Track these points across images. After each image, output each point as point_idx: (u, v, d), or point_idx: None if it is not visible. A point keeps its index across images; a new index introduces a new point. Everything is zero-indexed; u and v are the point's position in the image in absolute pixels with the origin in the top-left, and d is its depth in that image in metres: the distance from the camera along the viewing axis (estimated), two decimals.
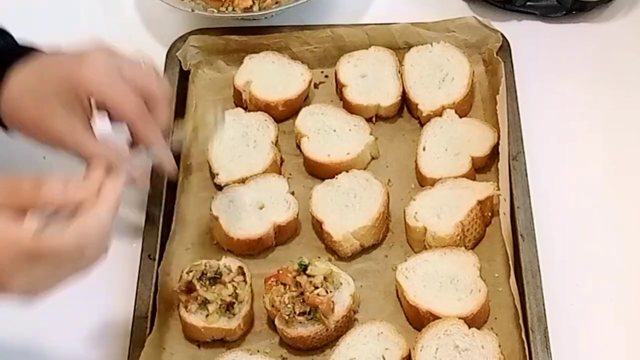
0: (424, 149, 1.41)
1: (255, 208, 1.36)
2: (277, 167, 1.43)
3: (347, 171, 1.38)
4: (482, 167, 1.41)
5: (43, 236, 1.01)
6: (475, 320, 1.24)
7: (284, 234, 1.36)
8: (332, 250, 1.34)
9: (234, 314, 1.26)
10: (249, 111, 1.48)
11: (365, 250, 1.34)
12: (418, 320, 1.26)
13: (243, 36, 1.54)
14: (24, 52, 1.27)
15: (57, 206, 1.03)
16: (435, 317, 1.24)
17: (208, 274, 1.27)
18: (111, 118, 1.25)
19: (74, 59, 1.23)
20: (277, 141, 1.45)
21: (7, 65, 1.25)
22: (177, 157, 1.43)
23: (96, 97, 1.22)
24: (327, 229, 1.33)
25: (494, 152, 1.40)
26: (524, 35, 1.56)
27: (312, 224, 1.36)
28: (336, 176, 1.38)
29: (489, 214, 1.36)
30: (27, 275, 1.03)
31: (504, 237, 1.29)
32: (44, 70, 1.24)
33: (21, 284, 1.04)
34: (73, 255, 1.04)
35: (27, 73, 1.25)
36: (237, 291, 1.26)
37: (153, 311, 1.27)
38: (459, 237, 1.31)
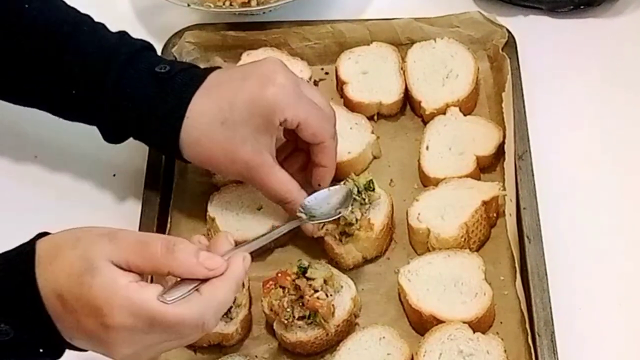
0: (427, 148, 1.41)
1: (253, 209, 1.36)
2: None
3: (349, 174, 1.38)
4: (487, 166, 1.41)
5: (167, 305, 1.02)
6: (480, 325, 1.25)
7: (283, 236, 1.36)
8: (334, 261, 1.34)
9: (231, 318, 1.26)
10: None
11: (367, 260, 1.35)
12: (421, 324, 1.26)
13: (240, 32, 1.54)
14: (194, 75, 1.28)
15: (186, 276, 1.04)
16: (439, 321, 1.24)
17: None
18: (302, 141, 1.29)
19: (260, 83, 1.24)
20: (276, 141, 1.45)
21: (184, 91, 1.26)
22: (173, 157, 1.44)
23: (291, 118, 1.24)
24: (329, 241, 1.33)
25: (500, 151, 1.40)
26: (531, 30, 1.56)
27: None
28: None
29: (494, 215, 1.36)
30: (137, 342, 1.03)
31: (509, 239, 1.29)
32: (231, 97, 1.25)
33: (127, 351, 1.04)
34: (192, 329, 1.04)
35: (210, 101, 1.26)
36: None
37: None
38: (463, 239, 1.31)
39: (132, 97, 1.28)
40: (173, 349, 1.14)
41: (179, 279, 1.05)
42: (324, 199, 1.29)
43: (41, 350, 1.05)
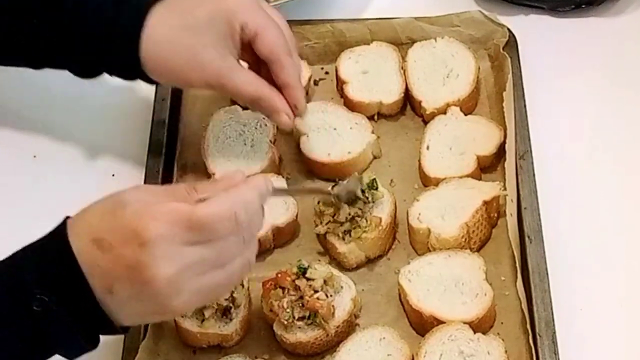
0: (427, 147, 1.41)
1: None
2: (275, 166, 1.43)
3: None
4: (488, 166, 1.41)
5: (199, 203, 1.02)
6: (481, 325, 1.25)
7: (282, 236, 1.36)
8: (336, 261, 1.34)
9: (230, 319, 1.26)
10: (246, 109, 1.48)
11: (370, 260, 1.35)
12: (421, 325, 1.26)
13: None
14: None
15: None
16: (440, 322, 1.24)
17: None
18: (255, 52, 1.28)
19: None
20: (275, 140, 1.45)
21: (142, 5, 1.26)
22: (172, 157, 1.44)
23: (250, 24, 1.25)
24: (332, 240, 1.33)
25: (500, 151, 1.40)
26: (532, 29, 1.56)
27: (317, 235, 1.36)
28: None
29: (495, 215, 1.36)
30: (176, 257, 1.00)
31: (510, 239, 1.29)
32: (191, 5, 1.26)
33: (169, 270, 1.00)
34: (227, 223, 1.02)
35: (169, 10, 1.26)
36: (233, 295, 1.26)
37: None
38: (464, 239, 1.32)
39: (91, 16, 1.28)
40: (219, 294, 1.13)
41: None
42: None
43: (78, 326, 1.03)
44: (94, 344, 1.06)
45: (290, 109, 1.31)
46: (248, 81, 1.28)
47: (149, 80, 1.31)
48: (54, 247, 1.03)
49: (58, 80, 1.40)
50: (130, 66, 1.29)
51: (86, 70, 1.34)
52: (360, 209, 1.31)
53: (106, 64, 1.32)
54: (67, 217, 1.05)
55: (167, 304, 1.01)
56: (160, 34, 1.26)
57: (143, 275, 0.99)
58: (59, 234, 1.03)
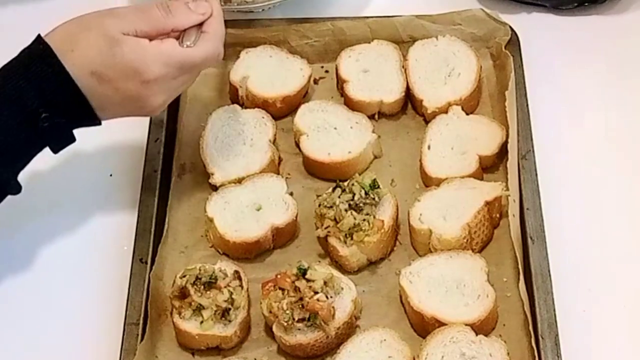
0: (428, 147, 1.41)
1: (252, 209, 1.37)
2: (275, 166, 1.43)
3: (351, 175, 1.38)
4: (490, 166, 1.41)
5: (190, 48, 1.25)
6: (483, 327, 1.25)
7: (282, 237, 1.36)
8: (337, 263, 1.34)
9: (229, 321, 1.26)
10: (246, 108, 1.48)
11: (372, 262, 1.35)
12: (423, 326, 1.26)
13: (239, 29, 1.54)
14: None
15: (188, 25, 1.25)
16: (441, 324, 1.24)
17: (202, 279, 1.27)
18: None
19: None
20: (275, 139, 1.45)
21: None
22: (170, 157, 1.44)
23: None
24: (333, 243, 1.33)
25: (503, 151, 1.40)
26: (534, 28, 1.56)
27: (317, 237, 1.36)
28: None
29: (497, 215, 1.36)
30: (169, 88, 1.25)
31: (512, 240, 1.29)
32: None
33: (161, 99, 1.25)
34: (213, 61, 1.28)
35: None
36: (233, 296, 1.26)
37: (145, 317, 1.27)
38: (465, 240, 1.32)
39: None
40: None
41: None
42: None
43: (73, 128, 1.25)
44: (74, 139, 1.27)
45: None
46: None
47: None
48: (54, 78, 1.19)
49: None
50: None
51: None
52: (368, 213, 1.31)
53: None
54: (38, 38, 1.21)
55: (150, 113, 1.29)
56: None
57: (141, 103, 1.24)
58: (50, 63, 1.19)
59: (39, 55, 1.20)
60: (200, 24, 1.26)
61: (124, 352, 1.25)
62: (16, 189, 1.26)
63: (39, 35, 1.22)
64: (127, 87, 1.21)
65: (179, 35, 1.26)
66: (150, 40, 1.23)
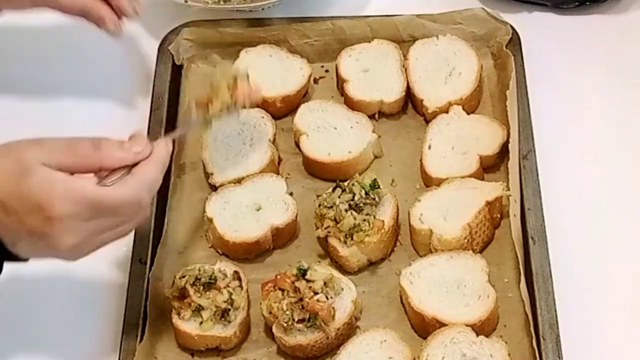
0: (429, 147, 1.41)
1: (251, 210, 1.37)
2: (274, 166, 1.43)
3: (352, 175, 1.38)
4: (491, 166, 1.41)
5: (105, 187, 1.10)
6: (484, 328, 1.25)
7: (282, 237, 1.36)
8: (337, 264, 1.34)
9: (229, 321, 1.26)
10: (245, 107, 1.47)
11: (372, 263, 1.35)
12: (423, 327, 1.26)
13: (239, 29, 1.54)
14: None
15: (116, 165, 1.13)
16: (442, 324, 1.24)
17: (202, 279, 1.27)
18: None
19: None
20: (274, 139, 1.45)
21: None
22: (169, 157, 1.44)
23: None
24: (333, 243, 1.33)
25: (503, 151, 1.40)
26: (535, 27, 1.56)
27: (317, 238, 1.36)
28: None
29: (498, 215, 1.36)
30: (80, 230, 1.10)
31: (513, 240, 1.29)
32: None
33: (72, 241, 1.10)
34: (131, 208, 1.12)
35: None
36: (232, 297, 1.27)
37: (144, 318, 1.27)
38: (466, 240, 1.32)
39: None
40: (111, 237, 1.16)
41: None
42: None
43: None
44: None
45: (118, 16, 1.38)
46: None
47: None
48: None
49: (54, 84, 1.41)
50: None
51: None
52: (368, 214, 1.31)
53: None
54: None
55: (68, 259, 1.14)
56: None
57: (47, 243, 1.10)
58: None
59: None
60: (132, 167, 1.14)
61: (123, 353, 1.25)
62: None
63: None
64: (31, 222, 1.08)
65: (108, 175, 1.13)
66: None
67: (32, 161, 1.08)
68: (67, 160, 1.10)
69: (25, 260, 1.15)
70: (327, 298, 1.25)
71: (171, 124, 1.46)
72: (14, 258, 1.14)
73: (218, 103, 1.31)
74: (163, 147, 1.16)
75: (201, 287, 1.27)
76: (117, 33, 1.39)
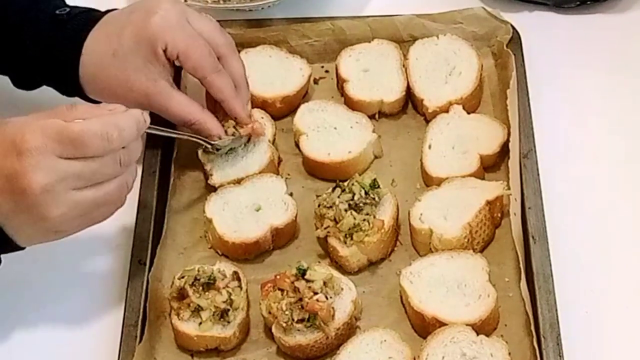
0: (429, 147, 1.41)
1: (251, 210, 1.37)
2: (274, 166, 1.43)
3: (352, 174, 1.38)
4: (491, 165, 1.41)
5: (72, 122, 1.13)
6: (484, 327, 1.25)
7: (281, 238, 1.36)
8: (337, 264, 1.34)
9: (228, 322, 1.26)
10: None
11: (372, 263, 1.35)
12: (423, 327, 1.26)
13: (238, 29, 1.54)
14: (91, 17, 1.36)
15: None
16: (442, 324, 1.24)
17: (201, 280, 1.27)
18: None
19: (144, 14, 1.32)
20: (274, 140, 1.45)
21: (80, 31, 1.34)
22: (169, 157, 1.44)
23: (170, 47, 1.31)
24: (333, 243, 1.33)
25: (504, 150, 1.40)
26: (536, 26, 1.56)
27: (317, 238, 1.36)
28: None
29: (499, 215, 1.36)
30: (50, 168, 1.12)
31: (514, 240, 1.29)
32: (119, 31, 1.32)
33: (43, 179, 1.11)
34: (99, 144, 1.14)
35: (102, 36, 1.33)
36: (231, 297, 1.26)
37: (143, 319, 1.27)
38: (466, 240, 1.31)
39: (32, 41, 1.35)
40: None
41: None
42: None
43: None
44: None
45: (224, 129, 1.38)
46: (180, 106, 1.35)
47: (89, 99, 1.37)
48: None
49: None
50: (70, 88, 1.37)
51: (28, 85, 1.42)
52: (368, 213, 1.31)
53: (52, 85, 1.40)
54: None
55: (46, 215, 1.14)
56: (94, 60, 1.34)
57: (19, 182, 1.12)
58: None
59: None
60: None
61: (123, 354, 1.25)
62: None
63: None
64: (5, 164, 1.12)
65: None
66: None
67: (12, 119, 1.15)
68: (43, 116, 1.15)
69: (22, 248, 1.19)
70: (326, 298, 1.25)
71: (167, 126, 1.46)
72: (9, 247, 1.18)
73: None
74: (138, 110, 1.20)
75: (200, 288, 1.26)
76: (217, 145, 1.39)
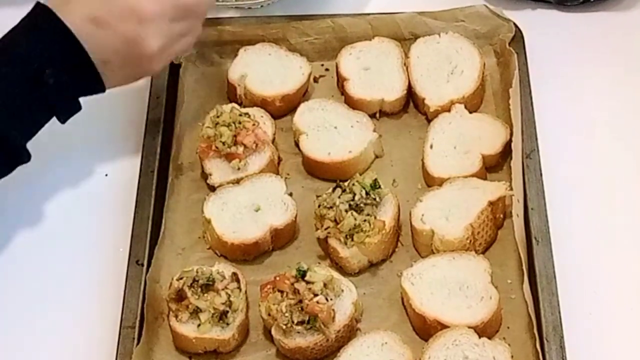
0: (431, 146, 1.41)
1: (250, 210, 1.36)
2: (274, 166, 1.43)
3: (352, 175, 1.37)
4: (494, 165, 1.41)
5: None
6: (486, 330, 1.24)
7: (281, 238, 1.36)
8: (337, 265, 1.34)
9: (227, 324, 1.26)
10: (244, 107, 1.47)
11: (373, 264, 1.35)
12: (425, 329, 1.26)
13: (237, 27, 1.54)
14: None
15: None
16: (443, 326, 1.24)
17: (200, 281, 1.26)
18: None
19: None
20: (274, 139, 1.45)
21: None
22: (167, 157, 1.44)
23: None
24: (333, 244, 1.33)
25: (506, 150, 1.40)
26: (539, 25, 1.56)
27: (317, 239, 1.35)
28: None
29: (501, 215, 1.36)
30: (166, 31, 1.27)
31: (516, 241, 1.29)
32: None
33: (158, 42, 1.27)
34: (205, 8, 1.33)
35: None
36: (230, 299, 1.26)
37: (141, 321, 1.27)
38: (468, 241, 1.31)
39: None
40: None
41: None
42: None
43: (78, 93, 1.29)
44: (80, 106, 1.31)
45: None
46: None
47: None
48: (53, 33, 1.24)
49: None
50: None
51: None
52: (368, 214, 1.31)
53: None
54: (37, 1, 1.26)
55: (150, 68, 1.32)
56: None
57: (140, 46, 1.26)
58: (48, 19, 1.24)
59: (37, 16, 1.25)
60: None
61: (120, 356, 1.24)
62: (27, 156, 1.30)
63: (37, 1, 1.26)
64: (125, 28, 1.24)
65: None
66: None
67: None
68: None
69: (102, 90, 1.30)
70: (327, 300, 1.25)
71: (169, 120, 1.46)
72: (92, 89, 1.29)
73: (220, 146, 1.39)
74: None
75: (199, 289, 1.26)
76: None
